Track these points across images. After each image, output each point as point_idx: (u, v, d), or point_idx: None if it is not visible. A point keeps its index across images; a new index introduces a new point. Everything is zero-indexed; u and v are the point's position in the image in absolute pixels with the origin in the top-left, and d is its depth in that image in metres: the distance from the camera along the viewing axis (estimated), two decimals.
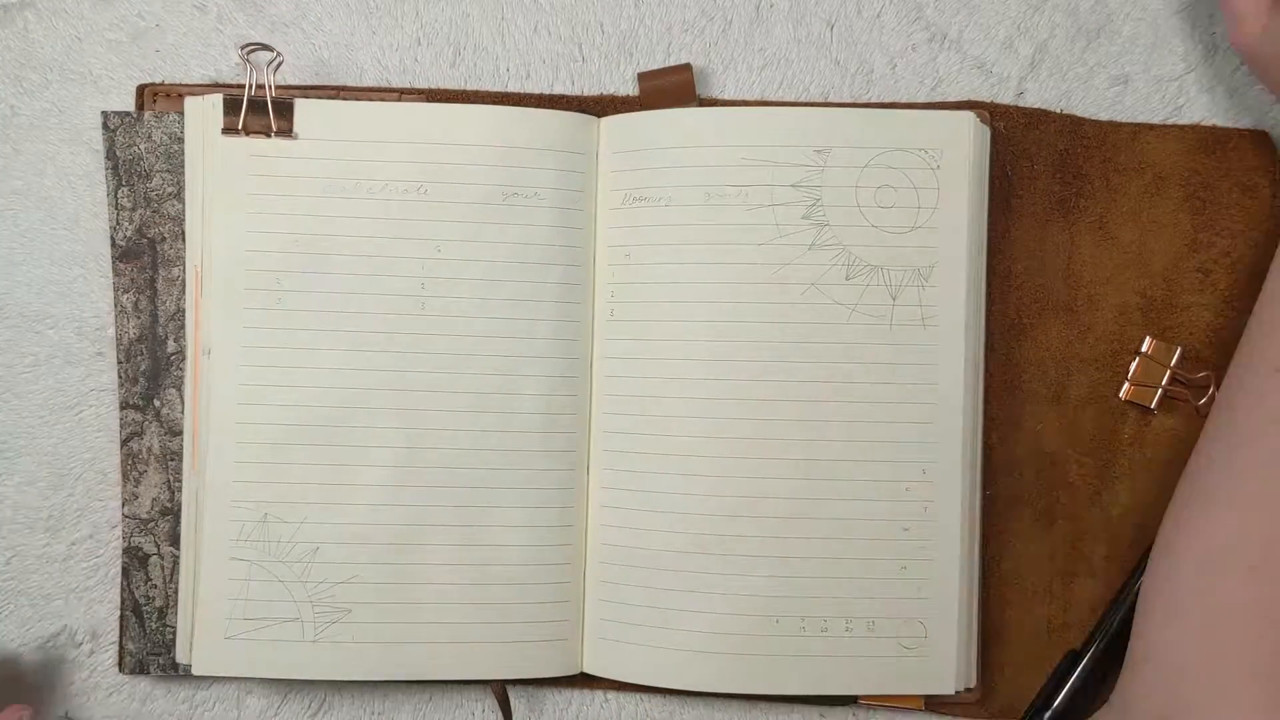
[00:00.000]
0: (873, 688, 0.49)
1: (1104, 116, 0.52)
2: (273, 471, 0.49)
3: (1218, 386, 0.51)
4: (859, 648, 0.49)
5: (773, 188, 0.49)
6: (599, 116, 0.51)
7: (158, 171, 0.50)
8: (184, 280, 0.50)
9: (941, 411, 0.49)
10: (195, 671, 0.48)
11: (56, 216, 0.52)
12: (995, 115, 0.51)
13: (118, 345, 0.51)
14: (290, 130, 0.49)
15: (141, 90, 0.51)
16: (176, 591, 0.50)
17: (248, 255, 0.49)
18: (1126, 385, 0.51)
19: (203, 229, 0.49)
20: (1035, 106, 0.52)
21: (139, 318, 0.51)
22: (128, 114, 0.50)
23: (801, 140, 0.49)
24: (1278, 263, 0.46)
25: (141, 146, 0.50)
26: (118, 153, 0.50)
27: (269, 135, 0.49)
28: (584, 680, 0.51)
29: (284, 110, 0.49)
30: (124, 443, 0.50)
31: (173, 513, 0.50)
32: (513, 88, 0.53)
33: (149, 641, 0.51)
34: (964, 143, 0.49)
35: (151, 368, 0.51)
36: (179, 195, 0.50)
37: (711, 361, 0.49)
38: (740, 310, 0.49)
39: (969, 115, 0.50)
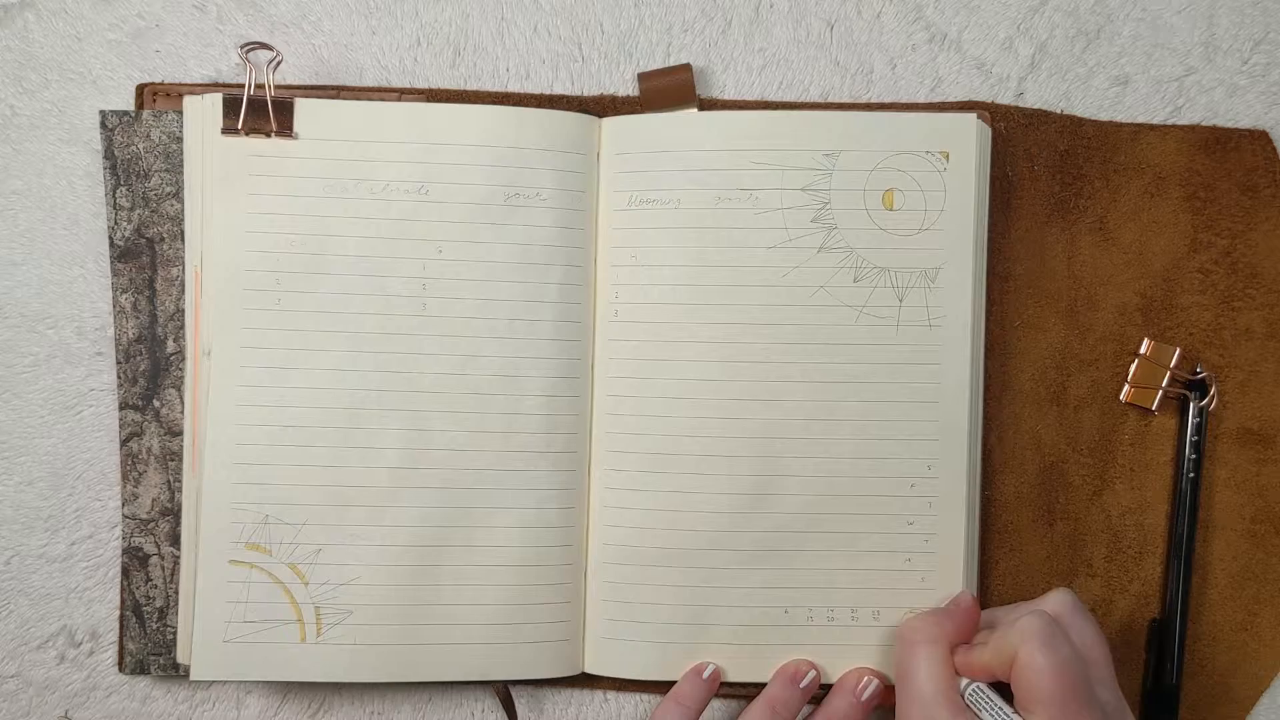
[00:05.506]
0: None
1: (1104, 117, 0.52)
2: (273, 473, 0.49)
3: (1218, 386, 0.51)
4: (863, 637, 0.49)
5: (782, 191, 0.49)
6: (599, 117, 0.51)
7: (156, 171, 0.50)
8: (183, 280, 0.50)
9: (946, 410, 0.49)
10: (194, 676, 0.48)
11: (56, 216, 0.52)
12: (995, 116, 0.51)
13: (117, 345, 0.50)
14: (290, 130, 0.49)
15: (141, 90, 0.51)
16: (177, 591, 0.50)
17: (247, 255, 0.49)
18: (1127, 388, 0.51)
19: (202, 229, 0.49)
20: (1035, 107, 0.52)
21: (138, 318, 0.50)
22: (126, 113, 0.50)
23: (810, 144, 0.49)
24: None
25: (140, 146, 0.50)
26: (116, 152, 0.50)
27: (269, 135, 0.49)
28: (585, 680, 0.51)
29: (284, 110, 0.49)
30: (124, 443, 0.50)
31: (173, 513, 0.50)
32: (513, 88, 0.53)
33: (149, 641, 0.50)
34: (970, 144, 0.49)
35: (151, 368, 0.50)
36: (178, 195, 0.50)
37: (719, 363, 0.49)
38: (749, 312, 0.49)
39: (973, 117, 0.50)
